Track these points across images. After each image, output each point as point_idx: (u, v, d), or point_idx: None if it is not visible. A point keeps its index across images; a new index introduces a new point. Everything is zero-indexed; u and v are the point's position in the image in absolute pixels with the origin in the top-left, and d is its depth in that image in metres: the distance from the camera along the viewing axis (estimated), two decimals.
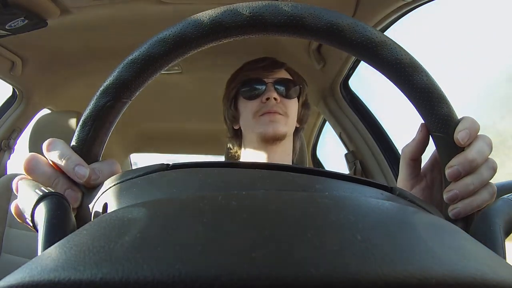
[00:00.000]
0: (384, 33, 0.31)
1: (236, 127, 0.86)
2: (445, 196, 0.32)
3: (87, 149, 0.31)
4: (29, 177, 0.30)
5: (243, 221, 0.17)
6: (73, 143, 0.31)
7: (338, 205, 0.19)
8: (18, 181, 0.30)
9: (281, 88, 0.79)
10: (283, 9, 0.27)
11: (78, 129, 0.31)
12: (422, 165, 0.39)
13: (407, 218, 0.19)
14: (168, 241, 0.15)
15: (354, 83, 1.27)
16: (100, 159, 0.33)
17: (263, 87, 0.78)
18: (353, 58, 1.11)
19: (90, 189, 0.30)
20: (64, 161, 0.30)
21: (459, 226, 0.22)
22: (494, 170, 0.31)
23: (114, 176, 0.29)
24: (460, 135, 0.30)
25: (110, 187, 0.27)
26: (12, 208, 0.29)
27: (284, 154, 0.82)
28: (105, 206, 0.26)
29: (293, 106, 0.82)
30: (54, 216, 0.24)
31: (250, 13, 0.27)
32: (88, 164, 0.30)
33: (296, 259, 0.14)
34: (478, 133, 0.31)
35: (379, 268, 0.14)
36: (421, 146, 0.35)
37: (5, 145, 1.41)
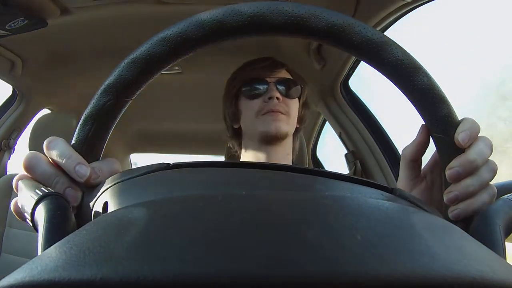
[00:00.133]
0: (384, 33, 0.31)
1: (236, 126, 0.86)
2: (445, 198, 0.32)
3: (88, 148, 0.31)
4: (28, 175, 0.30)
5: (243, 221, 0.17)
6: (73, 142, 0.31)
7: (338, 205, 0.19)
8: (18, 180, 0.30)
9: (283, 88, 0.79)
10: (284, 9, 0.27)
11: (78, 128, 0.31)
12: (422, 166, 0.39)
13: (407, 218, 0.19)
14: (168, 241, 0.15)
15: (354, 83, 1.27)
16: (100, 159, 0.33)
17: (265, 87, 0.78)
18: (353, 58, 1.11)
19: (90, 188, 0.30)
20: (64, 160, 0.30)
21: (459, 226, 0.22)
22: (494, 171, 0.31)
23: (114, 175, 0.29)
24: (460, 136, 0.30)
25: (111, 186, 0.27)
26: (12, 206, 0.29)
27: (284, 154, 0.82)
28: (106, 205, 0.26)
29: (294, 106, 0.82)
30: (54, 216, 0.24)
31: (251, 13, 0.27)
32: (89, 163, 0.30)
33: (296, 259, 0.14)
34: (479, 135, 0.31)
35: (379, 268, 0.14)
36: (422, 147, 0.35)
37: (5, 145, 1.41)
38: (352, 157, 1.28)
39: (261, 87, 0.79)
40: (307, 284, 0.13)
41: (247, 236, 0.15)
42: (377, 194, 0.26)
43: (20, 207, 0.27)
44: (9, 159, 1.46)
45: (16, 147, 1.47)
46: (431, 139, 0.33)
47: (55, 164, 0.30)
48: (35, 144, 1.22)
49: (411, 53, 0.29)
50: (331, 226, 0.17)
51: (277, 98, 0.77)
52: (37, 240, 0.23)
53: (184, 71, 1.35)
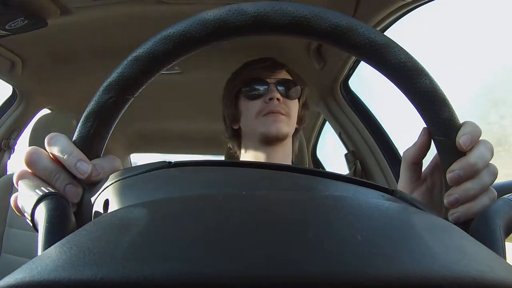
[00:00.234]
0: (384, 33, 0.31)
1: (235, 127, 0.86)
2: (445, 200, 0.32)
3: (89, 145, 0.31)
4: (29, 170, 0.30)
5: (243, 221, 0.17)
6: (74, 138, 0.31)
7: (338, 205, 0.19)
8: (19, 176, 0.30)
9: (283, 89, 0.79)
10: (288, 10, 0.27)
11: (80, 124, 0.31)
12: (423, 169, 0.39)
13: (407, 218, 0.19)
14: (168, 241, 0.15)
15: (354, 83, 1.27)
16: (101, 156, 0.33)
17: (265, 87, 0.78)
18: (353, 58, 1.11)
19: (91, 185, 0.30)
20: (66, 156, 0.29)
21: (459, 227, 0.22)
22: (495, 175, 0.31)
23: (116, 172, 0.29)
24: (462, 139, 0.30)
25: (112, 184, 0.27)
26: (12, 201, 0.29)
27: (284, 155, 0.82)
28: (106, 203, 0.26)
29: (294, 106, 0.82)
30: (54, 216, 0.24)
31: (255, 12, 0.27)
32: (90, 160, 0.30)
33: (296, 259, 0.14)
34: (480, 138, 0.31)
35: (379, 268, 0.14)
36: (423, 150, 0.35)
37: (5, 145, 1.41)
38: (352, 157, 1.28)
39: (261, 88, 0.79)
40: (307, 284, 0.13)
41: (247, 236, 0.15)
42: (377, 195, 0.27)
43: (20, 207, 0.27)
44: (9, 159, 1.46)
45: (16, 147, 1.47)
46: (432, 142, 0.33)
47: (56, 160, 0.30)
48: (35, 144, 1.21)
49: (411, 54, 0.29)
50: (331, 226, 0.17)
51: (278, 99, 0.77)
52: (37, 240, 0.23)
53: (184, 71, 1.35)
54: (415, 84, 0.29)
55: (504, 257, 0.26)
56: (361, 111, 1.26)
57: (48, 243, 0.22)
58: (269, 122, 0.77)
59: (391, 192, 0.28)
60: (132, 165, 0.30)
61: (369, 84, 1.33)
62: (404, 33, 0.99)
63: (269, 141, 0.78)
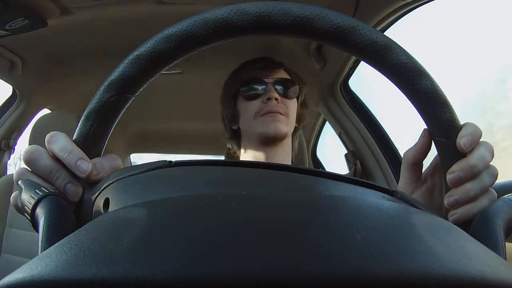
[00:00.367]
0: (384, 33, 0.31)
1: (234, 127, 0.86)
2: (445, 201, 0.32)
3: (89, 144, 0.31)
4: (29, 169, 0.30)
5: (243, 221, 0.17)
6: (75, 137, 0.31)
7: (338, 205, 0.19)
8: (19, 175, 0.30)
9: (281, 88, 0.79)
10: (290, 10, 0.27)
11: (80, 123, 0.31)
12: (423, 170, 0.39)
13: (407, 218, 0.19)
14: (168, 241, 0.15)
15: (354, 83, 1.27)
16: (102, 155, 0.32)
17: (264, 87, 0.78)
18: (353, 58, 1.11)
19: (91, 184, 0.30)
20: (66, 155, 0.29)
21: (459, 227, 0.22)
22: (495, 176, 0.31)
23: (116, 171, 0.29)
24: (462, 141, 0.30)
25: (112, 183, 0.27)
26: (12, 199, 0.29)
27: (283, 154, 0.82)
28: (107, 202, 0.26)
29: (293, 106, 0.82)
30: (54, 216, 0.24)
31: (256, 12, 0.27)
32: (90, 159, 0.30)
33: (296, 259, 0.14)
34: (480, 140, 0.31)
35: (379, 268, 0.14)
36: (423, 151, 0.35)
37: (5, 145, 1.42)
38: (352, 157, 1.28)
39: (259, 88, 0.79)
40: (307, 284, 0.13)
41: (247, 237, 0.15)
42: (378, 196, 0.27)
43: (20, 206, 0.27)
44: (9, 159, 1.46)
45: (16, 147, 1.47)
46: (433, 143, 0.33)
47: (56, 159, 0.30)
48: (35, 144, 1.22)
49: (412, 54, 0.29)
50: (331, 226, 0.17)
51: (276, 99, 0.77)
52: (37, 240, 0.23)
53: (184, 71, 1.35)
54: (416, 85, 0.29)
55: (504, 257, 0.26)
56: (361, 111, 1.26)
57: (48, 243, 0.22)
58: (267, 122, 0.77)
59: (392, 193, 0.28)
60: (132, 165, 0.30)
61: (369, 84, 1.33)
62: (404, 33, 0.99)
63: (268, 141, 0.78)
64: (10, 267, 1.05)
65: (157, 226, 0.17)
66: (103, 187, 0.28)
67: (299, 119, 0.86)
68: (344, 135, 1.29)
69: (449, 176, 0.31)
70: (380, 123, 1.23)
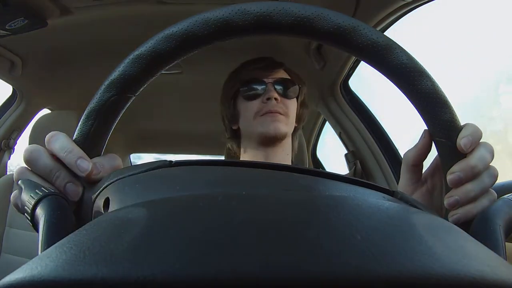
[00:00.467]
0: (384, 33, 0.31)
1: (234, 127, 0.86)
2: (445, 202, 0.32)
3: (90, 143, 0.31)
4: (29, 168, 0.30)
5: (243, 221, 0.17)
6: (75, 136, 0.31)
7: (338, 205, 0.19)
8: (19, 174, 0.30)
9: (281, 88, 0.79)
10: (290, 10, 0.27)
11: (81, 123, 0.31)
12: (424, 170, 0.39)
13: (407, 218, 0.19)
14: (168, 241, 0.15)
15: (354, 83, 1.27)
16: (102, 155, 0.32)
17: (263, 87, 0.78)
18: (353, 58, 1.11)
19: (91, 183, 0.30)
20: (65, 154, 0.29)
21: (459, 227, 0.22)
22: (495, 177, 0.31)
23: (116, 171, 0.29)
24: (463, 141, 0.30)
25: (112, 182, 0.27)
26: (12, 198, 0.29)
27: (283, 154, 0.82)
28: (107, 201, 0.26)
29: (292, 106, 0.82)
30: (54, 216, 0.24)
31: (257, 12, 0.27)
32: (90, 159, 0.30)
33: (296, 259, 0.14)
34: (480, 140, 0.31)
35: (379, 268, 0.14)
36: (423, 151, 0.35)
37: (5, 145, 1.42)
38: (352, 157, 1.28)
39: (259, 88, 0.79)
40: (307, 284, 0.13)
41: (247, 236, 0.15)
42: (378, 196, 0.27)
43: (20, 206, 0.27)
44: (9, 159, 1.46)
45: (16, 147, 1.47)
46: (433, 144, 0.33)
47: (56, 158, 0.30)
48: (35, 144, 1.22)
49: (412, 55, 0.29)
50: (331, 226, 0.17)
51: (275, 99, 0.77)
52: (37, 240, 0.23)
53: (184, 71, 1.35)
54: (416, 85, 0.29)
55: (504, 257, 0.26)
56: (361, 111, 1.26)
57: (48, 243, 0.22)
58: (267, 122, 0.77)
59: (392, 193, 0.28)
60: (132, 165, 0.30)
61: (369, 84, 1.33)
62: (404, 33, 1.00)
63: (267, 141, 0.78)
64: (10, 267, 1.05)
65: (157, 226, 0.17)
66: (103, 186, 0.28)
67: (298, 119, 0.86)
68: (344, 135, 1.29)
69: (449, 177, 0.31)
70: (380, 123, 1.23)
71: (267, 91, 0.78)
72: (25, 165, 0.30)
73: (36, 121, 1.29)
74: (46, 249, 0.19)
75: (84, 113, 0.30)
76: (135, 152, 2.29)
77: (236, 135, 0.87)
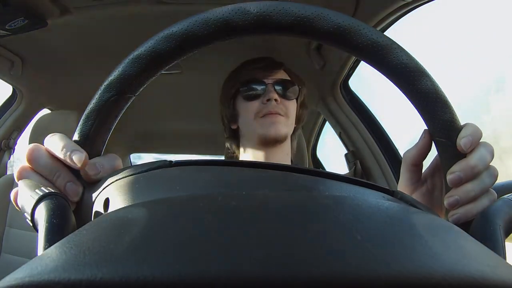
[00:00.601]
0: (384, 33, 0.31)
1: (234, 127, 0.86)
2: (445, 202, 0.32)
3: (90, 144, 0.31)
4: (30, 167, 0.30)
5: (243, 221, 0.17)
6: (75, 138, 0.31)
7: (338, 205, 0.19)
8: (20, 173, 0.30)
9: (281, 89, 0.79)
10: (290, 10, 0.27)
11: (80, 123, 0.31)
12: (423, 170, 0.39)
13: (407, 218, 0.19)
14: (168, 241, 0.15)
15: (354, 83, 1.27)
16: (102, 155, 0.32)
17: (263, 88, 0.78)
18: (353, 58, 1.11)
19: (91, 183, 0.30)
20: (61, 149, 0.30)
21: (459, 227, 0.22)
22: (495, 177, 0.31)
23: (116, 171, 0.29)
24: (463, 141, 0.30)
25: (112, 182, 0.27)
26: (12, 196, 0.29)
27: (283, 155, 0.82)
28: (107, 202, 0.26)
29: (292, 106, 0.82)
30: (54, 216, 0.24)
31: (257, 12, 0.27)
32: (90, 159, 0.30)
33: (296, 259, 0.14)
34: (480, 140, 0.31)
35: (379, 268, 0.14)
36: (423, 151, 0.35)
37: (5, 145, 1.42)
38: (352, 157, 1.28)
39: (259, 88, 0.78)
40: (307, 284, 0.13)
41: (247, 237, 0.15)
42: (378, 196, 0.27)
43: (20, 207, 0.27)
44: (9, 159, 1.46)
45: (16, 147, 1.47)
46: (433, 144, 0.33)
47: (56, 159, 0.30)
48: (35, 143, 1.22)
49: (411, 54, 0.29)
50: (331, 226, 0.17)
51: (275, 100, 0.77)
52: (37, 240, 0.23)
53: (184, 71, 1.35)
54: (416, 85, 0.29)
55: (504, 257, 0.26)
56: (361, 111, 1.26)
57: (48, 243, 0.22)
58: (267, 124, 0.76)
59: (392, 193, 0.28)
60: (132, 165, 0.30)
61: (369, 84, 1.33)
62: (404, 33, 1.00)
63: (267, 142, 0.78)
64: (10, 267, 1.05)
65: (157, 226, 0.17)
66: (103, 187, 0.28)
67: (298, 119, 0.86)
68: (344, 135, 1.29)
69: (449, 177, 0.31)
70: (380, 123, 1.23)
71: (267, 92, 0.78)
72: (26, 164, 0.30)
73: (36, 121, 1.29)
74: (46, 249, 0.19)
75: (84, 113, 0.30)
76: (135, 152, 2.29)
77: (235, 135, 0.87)
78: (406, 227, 0.18)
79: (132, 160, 2.33)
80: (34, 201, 0.25)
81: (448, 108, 0.30)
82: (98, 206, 0.27)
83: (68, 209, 0.25)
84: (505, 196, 0.30)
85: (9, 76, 1.30)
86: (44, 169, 0.30)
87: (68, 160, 0.29)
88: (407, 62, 0.28)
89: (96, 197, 0.28)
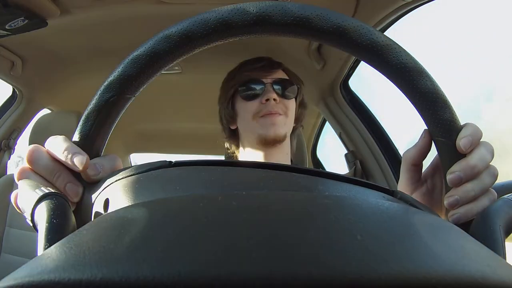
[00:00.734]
0: (384, 33, 0.31)
1: (233, 127, 0.85)
2: (445, 202, 0.32)
3: (89, 144, 0.31)
4: (30, 167, 0.30)
5: (243, 221, 0.17)
6: (74, 138, 0.31)
7: (338, 205, 0.19)
8: (21, 173, 0.30)
9: (279, 88, 0.79)
10: (290, 10, 0.27)
11: (80, 123, 0.31)
12: (423, 170, 0.39)
13: (407, 218, 0.19)
14: (168, 241, 0.15)
15: (354, 83, 1.27)
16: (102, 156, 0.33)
17: (262, 87, 0.78)
18: (353, 58, 1.11)
19: (91, 184, 0.30)
20: (62, 152, 0.30)
21: (459, 227, 0.22)
22: (495, 176, 0.31)
23: (116, 171, 0.29)
24: (462, 142, 0.30)
25: (112, 183, 0.27)
26: (13, 197, 0.29)
27: (283, 154, 0.82)
28: (107, 202, 0.26)
29: (291, 106, 0.82)
30: (54, 216, 0.24)
31: (257, 12, 0.27)
32: (90, 159, 0.30)
33: (296, 259, 0.14)
34: (481, 140, 0.31)
35: (379, 268, 0.14)
36: (423, 151, 0.35)
37: (5, 145, 1.41)
38: (352, 157, 1.28)
39: (258, 88, 0.78)
40: (308, 284, 0.13)
41: (247, 237, 0.15)
42: (378, 196, 0.27)
43: (20, 207, 0.27)
44: (9, 159, 1.46)
45: (16, 147, 1.47)
46: (433, 143, 0.33)
47: (57, 160, 0.30)
48: (36, 144, 1.22)
49: (412, 54, 0.29)
50: (331, 226, 0.17)
51: (274, 100, 0.77)
52: (37, 240, 0.23)
53: (184, 71, 1.35)
54: (416, 85, 0.29)
55: (504, 257, 0.26)
56: (361, 111, 1.26)
57: (48, 243, 0.22)
58: (266, 124, 0.76)
59: (392, 193, 0.28)
60: (132, 165, 0.30)
61: (369, 84, 1.33)
62: (404, 33, 1.00)
63: (267, 143, 0.78)
64: (10, 267, 1.05)
65: (157, 226, 0.17)
66: (103, 187, 0.28)
67: (297, 119, 0.86)
68: (344, 135, 1.29)
69: (449, 176, 0.31)
70: (380, 123, 1.23)
71: (266, 92, 0.78)
72: (27, 165, 0.30)
73: (36, 121, 1.29)
74: (46, 249, 0.19)
75: (84, 114, 0.30)
76: (135, 152, 2.29)
77: (234, 135, 0.87)
78: (406, 227, 0.18)
79: (132, 160, 2.33)
80: (34, 201, 0.25)
81: (448, 108, 0.30)
82: (98, 206, 0.27)
83: (68, 209, 0.25)
84: (505, 196, 0.30)
85: (9, 76, 1.30)
86: (44, 170, 0.30)
87: (70, 163, 0.29)
88: (406, 62, 0.28)
89: (96, 197, 0.28)
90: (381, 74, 0.30)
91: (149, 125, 1.95)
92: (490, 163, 0.31)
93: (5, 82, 1.34)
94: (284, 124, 0.78)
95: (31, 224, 0.26)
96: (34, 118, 1.47)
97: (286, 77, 0.82)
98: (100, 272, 0.13)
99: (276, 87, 0.78)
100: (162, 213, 0.19)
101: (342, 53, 1.07)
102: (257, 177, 0.27)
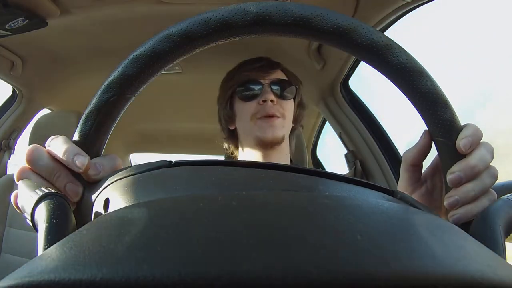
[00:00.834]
0: (384, 33, 0.31)
1: (231, 128, 0.85)
2: (445, 202, 0.32)
3: (89, 144, 0.31)
4: (30, 167, 0.30)
5: (243, 221, 0.17)
6: (75, 137, 0.31)
7: (338, 205, 0.19)
8: (20, 173, 0.30)
9: (278, 89, 0.78)
10: (290, 10, 0.27)
11: (80, 123, 0.31)
12: (423, 170, 0.39)
13: (407, 218, 0.19)
14: (168, 241, 0.15)
15: (354, 83, 1.27)
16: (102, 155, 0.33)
17: (260, 88, 0.78)
18: (353, 58, 1.11)
19: (91, 184, 0.30)
20: (63, 153, 0.30)
21: (459, 227, 0.22)
22: (495, 177, 0.31)
23: (116, 171, 0.29)
24: (462, 142, 0.30)
25: (112, 183, 0.27)
26: (13, 198, 0.29)
27: (282, 155, 0.82)
28: (107, 202, 0.26)
29: (289, 107, 0.81)
30: (54, 216, 0.24)
31: (257, 12, 0.27)
32: (90, 159, 0.30)
33: (296, 259, 0.14)
34: (481, 140, 0.31)
35: (379, 268, 0.14)
36: (423, 152, 0.35)
37: (5, 145, 1.41)
38: (352, 157, 1.28)
39: (256, 88, 0.78)
40: (308, 284, 0.13)
41: (247, 237, 0.15)
42: (378, 196, 0.27)
43: (20, 207, 0.27)
44: (9, 159, 1.46)
45: (16, 147, 1.47)
46: (433, 144, 0.33)
47: (57, 160, 0.30)
48: (35, 144, 1.22)
49: (412, 54, 0.29)
50: (331, 226, 0.17)
51: (272, 101, 0.76)
52: (37, 240, 0.23)
53: (184, 71, 1.35)
54: (416, 85, 0.29)
55: (504, 257, 0.26)
56: (361, 111, 1.26)
57: (48, 243, 0.22)
58: (264, 126, 0.76)
59: (392, 193, 0.28)
60: (132, 165, 0.30)
61: (369, 84, 1.33)
62: (404, 33, 1.00)
63: (265, 144, 0.78)
64: (10, 267, 1.05)
65: (157, 226, 0.17)
66: (103, 187, 0.28)
67: (295, 119, 0.86)
68: (344, 135, 1.29)
69: (449, 177, 0.31)
70: (380, 123, 1.23)
71: (264, 92, 0.77)
72: (26, 165, 0.30)
73: (36, 121, 1.29)
74: (46, 249, 0.19)
75: (84, 114, 0.30)
76: (135, 152, 2.29)
77: (233, 136, 0.87)
78: (406, 227, 0.18)
79: (132, 160, 2.33)
80: (34, 201, 0.25)
81: (448, 108, 0.30)
82: (98, 206, 0.27)
83: (68, 209, 0.25)
84: (505, 196, 0.30)
85: (9, 76, 1.30)
86: (44, 170, 0.30)
87: (71, 164, 0.29)
88: (406, 62, 0.28)
89: (96, 197, 0.28)
90: (381, 74, 0.30)
91: (149, 125, 1.95)
92: (490, 164, 0.31)
93: (5, 82, 1.34)
94: (282, 126, 0.78)
95: (31, 224, 0.26)
96: (34, 118, 1.47)
97: (285, 78, 0.82)
98: (100, 272, 0.13)
99: (274, 87, 0.78)
100: (162, 213, 0.19)
101: (342, 53, 1.07)
102: (257, 177, 0.27)
